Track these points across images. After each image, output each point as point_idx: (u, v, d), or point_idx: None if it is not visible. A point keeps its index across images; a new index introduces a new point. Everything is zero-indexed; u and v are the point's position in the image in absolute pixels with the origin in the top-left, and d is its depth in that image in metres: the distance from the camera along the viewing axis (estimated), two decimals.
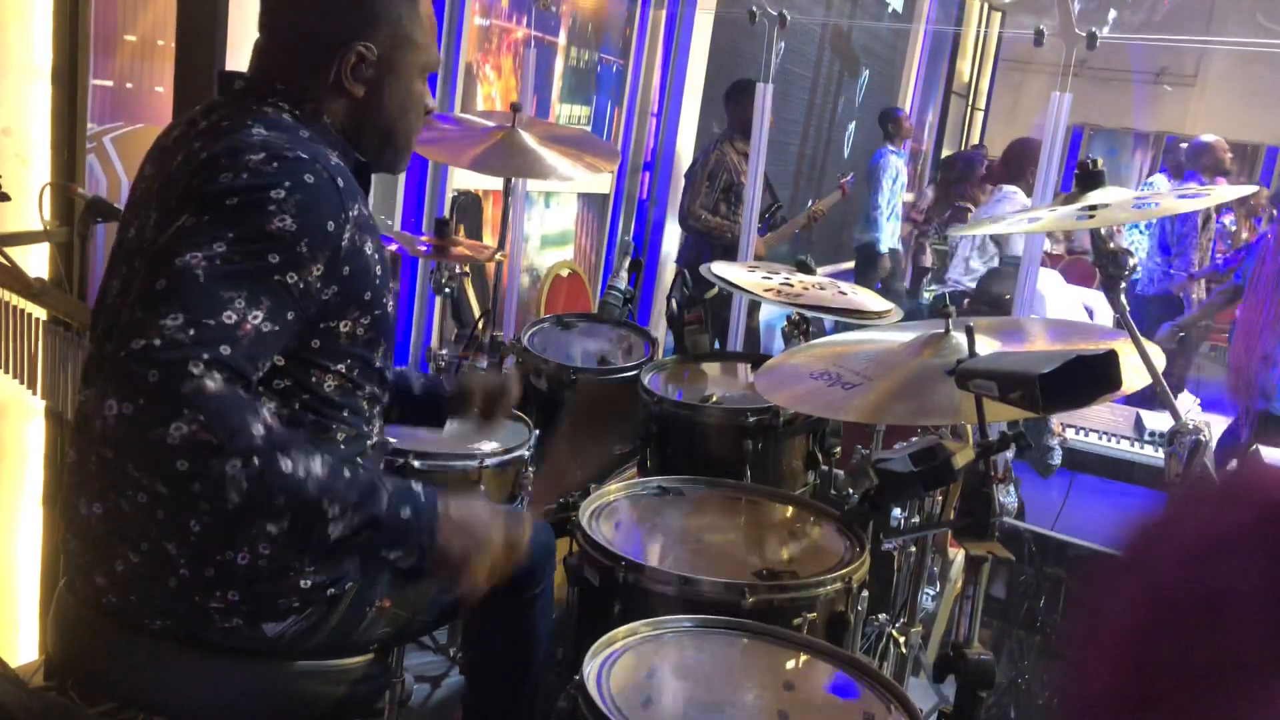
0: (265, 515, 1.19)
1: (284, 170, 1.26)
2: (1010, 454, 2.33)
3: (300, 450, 1.19)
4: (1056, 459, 3.29)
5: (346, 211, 1.31)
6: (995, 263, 5.12)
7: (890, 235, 6.64)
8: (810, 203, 5.30)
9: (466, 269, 2.80)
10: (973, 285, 5.09)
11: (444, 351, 2.81)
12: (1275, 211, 4.82)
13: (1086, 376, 1.22)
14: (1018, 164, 5.03)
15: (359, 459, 1.44)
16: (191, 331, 1.13)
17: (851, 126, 7.77)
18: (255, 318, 1.20)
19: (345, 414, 1.42)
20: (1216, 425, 3.21)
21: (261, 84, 1.42)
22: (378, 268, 1.39)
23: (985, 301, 4.55)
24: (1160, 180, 6.52)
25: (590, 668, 1.37)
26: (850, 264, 7.03)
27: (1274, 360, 4.13)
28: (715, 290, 2.49)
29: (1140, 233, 5.97)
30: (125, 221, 1.44)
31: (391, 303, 1.45)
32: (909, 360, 1.72)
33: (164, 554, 1.34)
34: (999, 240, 5.21)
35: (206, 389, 1.12)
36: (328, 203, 1.29)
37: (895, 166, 6.61)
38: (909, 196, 7.00)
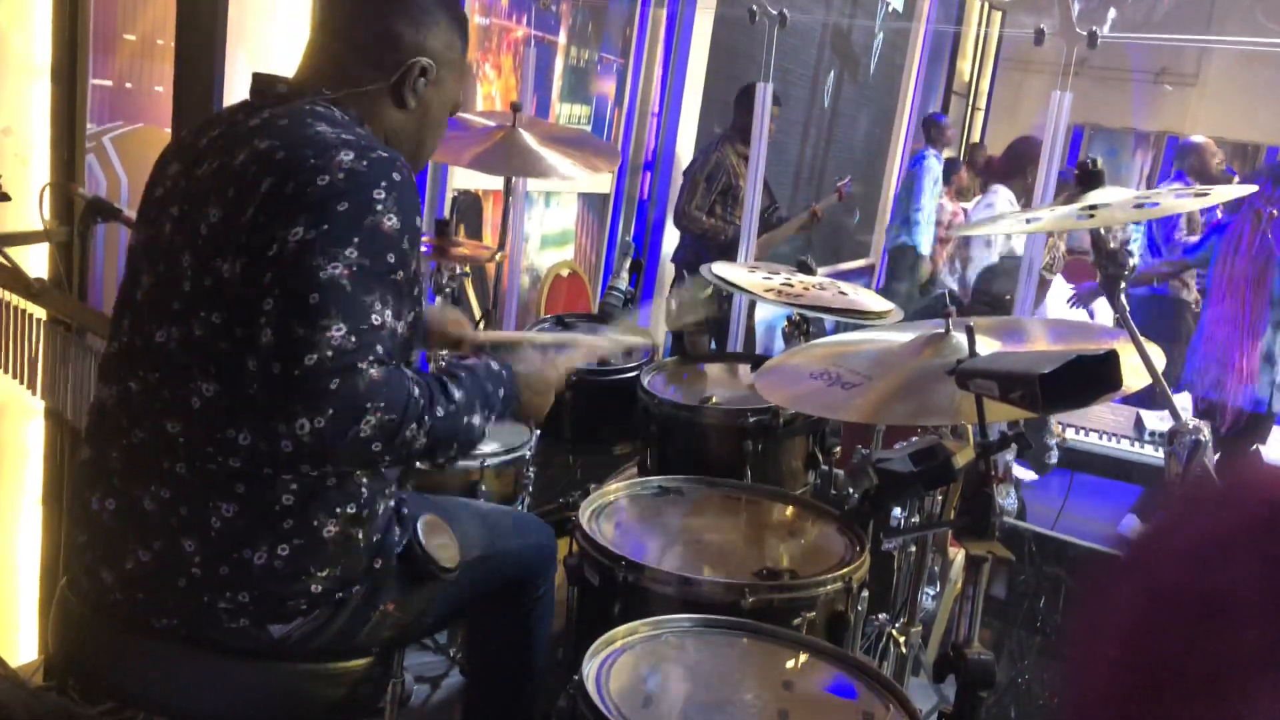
0: (442, 452, 1.38)
1: (377, 169, 1.31)
2: (1012, 456, 2.34)
3: (438, 390, 1.36)
4: (1054, 459, 3.29)
5: (421, 206, 1.38)
6: (994, 259, 5.13)
7: (926, 240, 6.63)
8: (809, 205, 5.28)
9: (467, 269, 2.80)
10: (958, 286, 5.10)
11: (444, 352, 2.81)
12: (1276, 211, 4.80)
13: (1087, 376, 1.22)
14: (1018, 162, 5.02)
15: (364, 474, 1.44)
16: (354, 339, 1.24)
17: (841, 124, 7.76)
18: (387, 315, 1.29)
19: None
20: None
21: (308, 84, 1.44)
22: (420, 262, 1.43)
23: (985, 300, 4.53)
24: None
25: (590, 668, 1.37)
26: (851, 264, 7.03)
27: (1250, 359, 4.14)
28: (710, 290, 2.49)
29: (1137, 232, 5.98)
30: (151, 219, 1.43)
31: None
32: (909, 360, 1.72)
33: (179, 551, 1.34)
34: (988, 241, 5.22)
35: (375, 379, 1.25)
36: (414, 198, 1.36)
37: (936, 170, 6.61)
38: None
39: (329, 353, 1.22)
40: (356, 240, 1.26)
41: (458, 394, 1.39)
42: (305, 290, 1.24)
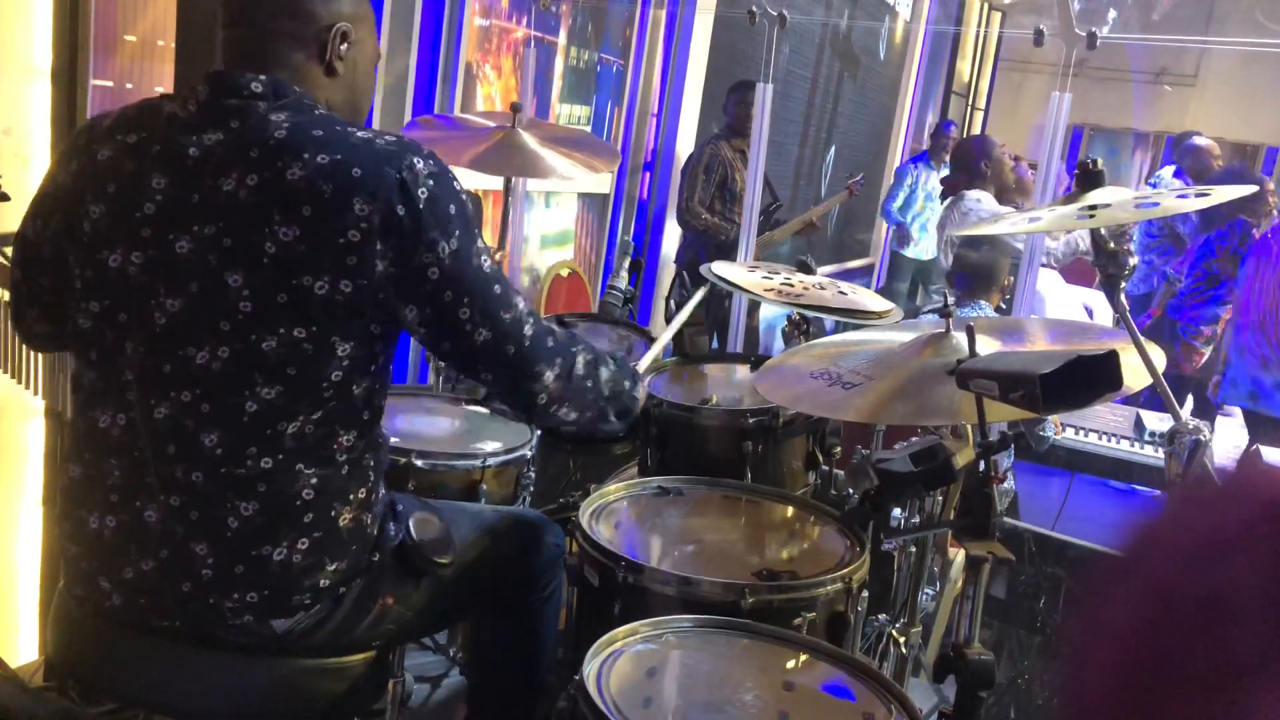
0: (618, 397, 1.63)
1: (438, 162, 1.41)
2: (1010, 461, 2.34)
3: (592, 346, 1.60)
4: (1049, 431, 3.26)
5: None
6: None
7: (916, 245, 6.64)
8: (810, 207, 5.30)
9: None
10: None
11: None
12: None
13: (1087, 376, 1.22)
14: (965, 165, 4.76)
15: (371, 458, 1.45)
16: (522, 300, 1.48)
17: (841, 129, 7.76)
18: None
19: (366, 416, 1.43)
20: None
21: (278, 84, 1.39)
22: None
23: (966, 267, 4.22)
24: (1167, 173, 6.55)
25: (590, 668, 1.37)
26: (852, 264, 7.03)
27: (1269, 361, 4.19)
28: (707, 290, 2.49)
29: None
30: (147, 238, 1.34)
31: None
32: (910, 360, 1.72)
33: (187, 557, 1.34)
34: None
35: (557, 332, 1.53)
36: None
37: (914, 177, 6.62)
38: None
39: (530, 319, 1.46)
40: (474, 231, 1.43)
41: (590, 341, 1.63)
42: (487, 286, 1.42)
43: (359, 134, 1.37)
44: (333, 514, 1.39)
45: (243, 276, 1.30)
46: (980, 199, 4.42)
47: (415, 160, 1.36)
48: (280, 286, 1.30)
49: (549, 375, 1.47)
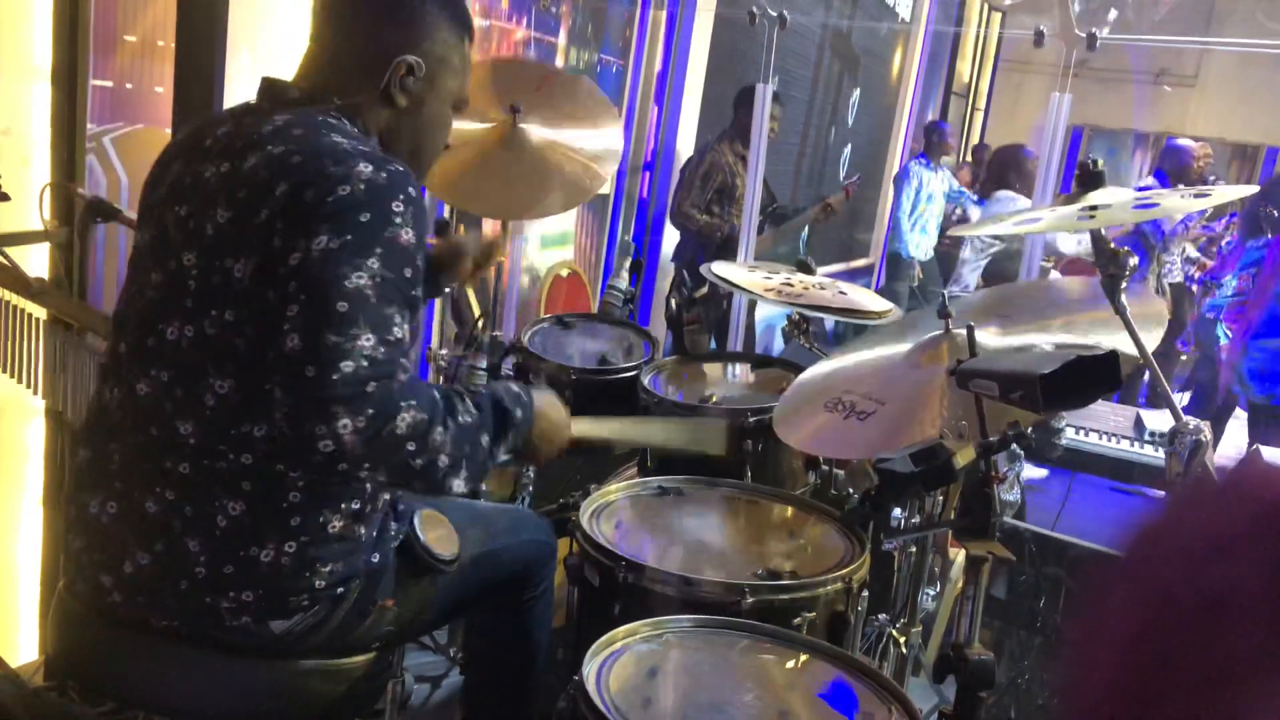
0: (460, 468, 1.36)
1: (394, 182, 1.32)
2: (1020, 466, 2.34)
3: (456, 399, 1.38)
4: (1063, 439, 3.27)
5: (429, 222, 1.40)
6: (984, 260, 5.17)
7: (915, 245, 6.64)
8: (814, 204, 5.30)
9: None
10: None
11: (444, 351, 2.80)
12: (1276, 212, 4.81)
13: (1087, 376, 1.22)
14: (1001, 170, 5.08)
15: None
16: (382, 349, 1.27)
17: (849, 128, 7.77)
18: (405, 329, 1.31)
19: None
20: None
21: (318, 94, 1.44)
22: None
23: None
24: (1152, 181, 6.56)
25: (590, 668, 1.37)
26: (853, 263, 7.04)
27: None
28: (706, 289, 2.49)
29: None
30: (154, 218, 1.43)
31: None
32: (914, 373, 1.72)
33: (181, 553, 1.34)
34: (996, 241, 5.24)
35: (404, 380, 1.29)
36: (426, 213, 1.37)
37: (920, 178, 6.61)
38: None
39: (364, 361, 1.25)
40: (379, 251, 1.28)
41: (475, 409, 1.40)
42: (334, 299, 1.25)
43: (341, 141, 1.36)
44: (321, 520, 1.38)
45: (194, 256, 1.36)
46: (1014, 198, 4.66)
47: (364, 167, 1.30)
48: (213, 269, 1.33)
49: (345, 424, 1.23)
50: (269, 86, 1.47)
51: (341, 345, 1.24)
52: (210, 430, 1.34)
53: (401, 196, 1.32)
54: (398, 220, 1.30)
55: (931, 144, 6.73)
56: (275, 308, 1.28)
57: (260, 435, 1.33)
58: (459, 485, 1.38)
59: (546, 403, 1.54)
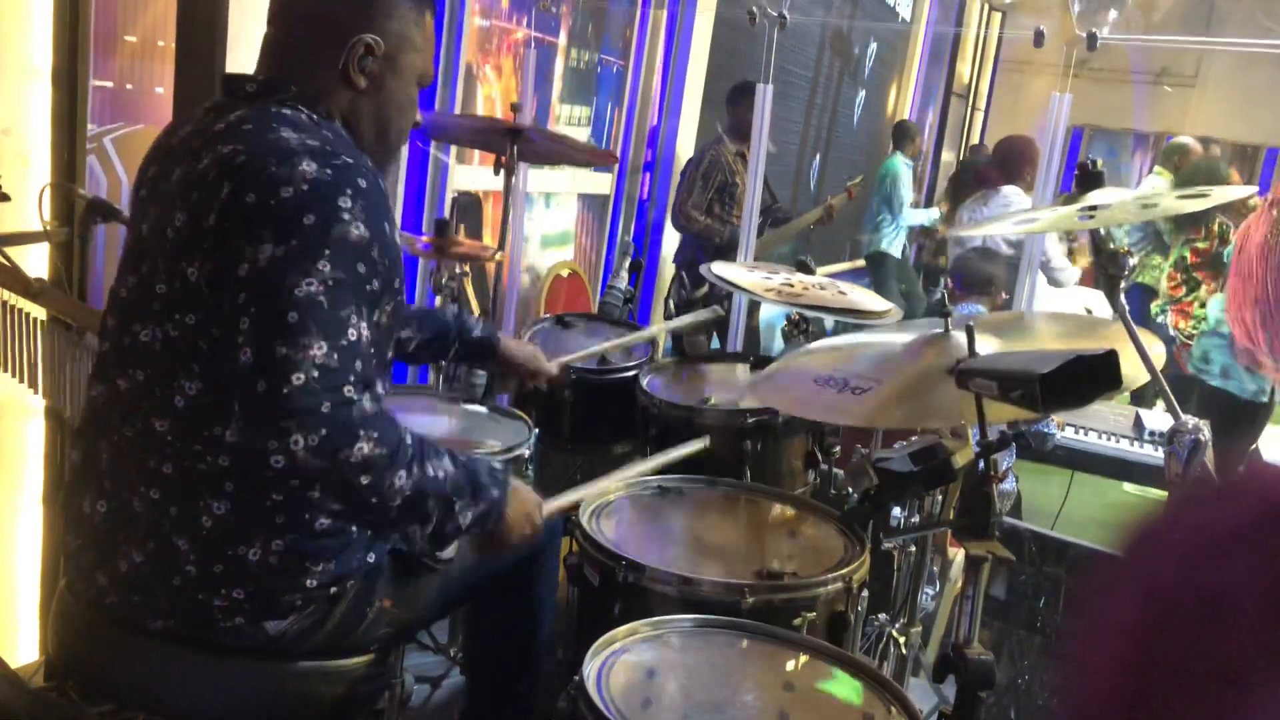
0: (417, 517, 1.34)
1: (340, 176, 1.30)
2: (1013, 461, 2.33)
3: (432, 453, 1.34)
4: (1051, 427, 3.25)
5: (390, 208, 1.37)
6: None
7: (889, 241, 6.67)
8: (814, 205, 5.31)
9: (466, 269, 2.80)
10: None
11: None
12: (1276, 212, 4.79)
13: (1087, 376, 1.22)
14: (1014, 164, 4.95)
15: None
16: (335, 356, 1.24)
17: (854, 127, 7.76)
18: (362, 327, 1.29)
19: None
20: None
21: (275, 83, 1.42)
22: (397, 249, 1.41)
23: (972, 282, 4.31)
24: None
25: (590, 668, 1.37)
26: (854, 264, 7.04)
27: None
28: (705, 290, 2.49)
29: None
30: (135, 220, 1.45)
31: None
32: (913, 362, 1.72)
33: (172, 551, 1.34)
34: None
35: (368, 410, 1.26)
36: (382, 202, 1.34)
37: (895, 175, 6.63)
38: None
39: (315, 372, 1.22)
40: (327, 253, 1.26)
41: (450, 468, 1.37)
42: (283, 309, 1.24)
43: (290, 136, 1.34)
44: (308, 517, 1.38)
45: (160, 259, 1.36)
46: (1020, 195, 4.61)
47: (308, 165, 1.29)
48: (174, 272, 1.34)
49: (297, 439, 1.21)
50: (227, 81, 1.45)
51: (292, 357, 1.22)
52: (184, 430, 1.34)
53: (349, 191, 1.29)
54: (345, 217, 1.28)
55: (902, 138, 6.76)
56: (230, 317, 1.27)
57: (233, 440, 1.31)
58: (418, 535, 1.37)
59: (520, 489, 1.53)
